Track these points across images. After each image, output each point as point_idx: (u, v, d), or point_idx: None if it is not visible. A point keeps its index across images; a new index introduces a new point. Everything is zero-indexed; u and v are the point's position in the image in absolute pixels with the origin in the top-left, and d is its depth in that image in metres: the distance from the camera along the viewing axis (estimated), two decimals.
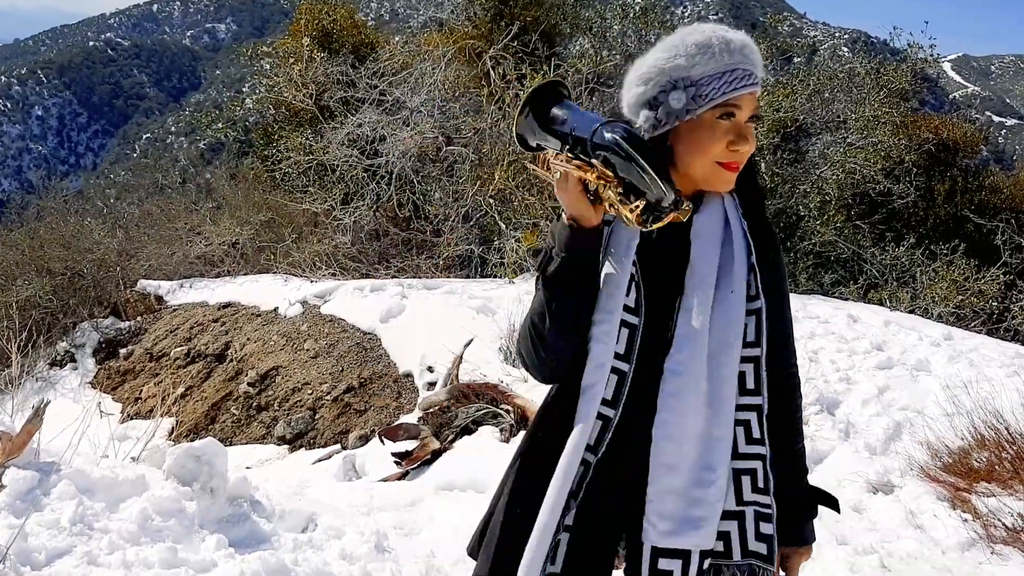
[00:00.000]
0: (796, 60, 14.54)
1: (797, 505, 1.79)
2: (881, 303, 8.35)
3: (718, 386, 1.63)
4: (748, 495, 1.69)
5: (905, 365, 6.52)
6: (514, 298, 7.31)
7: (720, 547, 1.68)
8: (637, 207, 1.49)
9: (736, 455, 1.67)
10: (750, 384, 1.67)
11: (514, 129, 1.64)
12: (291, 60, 10.85)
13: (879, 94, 10.22)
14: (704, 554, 1.65)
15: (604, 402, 1.62)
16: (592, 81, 9.06)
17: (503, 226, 8.72)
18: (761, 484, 1.69)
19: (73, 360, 9.53)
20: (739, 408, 1.65)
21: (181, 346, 8.78)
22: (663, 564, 1.64)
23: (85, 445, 4.70)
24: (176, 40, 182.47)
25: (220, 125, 14.50)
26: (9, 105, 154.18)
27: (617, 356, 1.62)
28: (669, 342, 1.64)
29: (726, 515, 1.67)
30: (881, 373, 6.39)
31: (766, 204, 1.90)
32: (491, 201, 8.80)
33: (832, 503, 1.86)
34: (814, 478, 5.20)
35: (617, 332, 1.62)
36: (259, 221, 10.44)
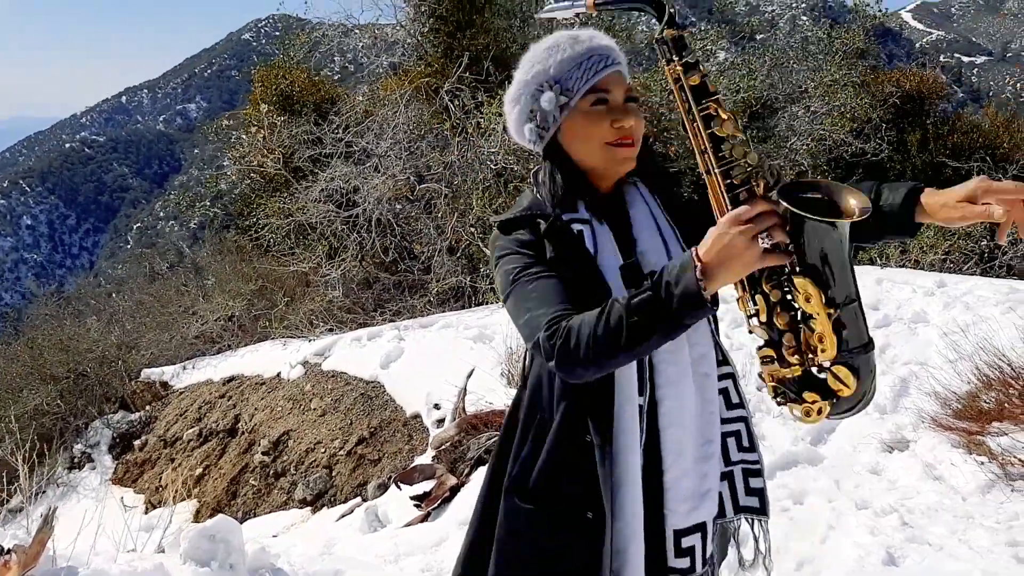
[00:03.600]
0: (760, 37, 14.64)
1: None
2: (872, 262, 8.34)
3: (699, 364, 1.71)
4: (735, 455, 1.80)
5: (902, 320, 6.52)
6: (507, 321, 7.35)
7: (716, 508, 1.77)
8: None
9: (720, 421, 1.75)
10: (720, 356, 1.78)
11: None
12: (253, 128, 10.97)
13: (835, 58, 10.30)
14: (714, 519, 1.75)
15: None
16: None
17: (488, 251, 8.76)
18: (746, 443, 1.81)
19: (91, 460, 9.57)
20: (718, 378, 1.76)
21: (192, 427, 8.81)
22: (686, 542, 1.70)
23: (106, 543, 4.72)
24: (150, 127, 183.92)
25: (207, 203, 14.62)
26: None
27: None
28: None
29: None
30: (879, 332, 6.38)
31: (678, 182, 1.93)
32: (472, 230, 8.85)
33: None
34: (827, 447, 5.20)
35: None
36: (250, 291, 10.50)
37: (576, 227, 1.68)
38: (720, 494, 1.77)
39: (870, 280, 7.45)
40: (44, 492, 9.39)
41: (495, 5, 10.49)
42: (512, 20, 10.71)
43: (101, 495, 8.77)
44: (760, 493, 1.82)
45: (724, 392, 1.77)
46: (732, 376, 1.80)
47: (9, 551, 3.76)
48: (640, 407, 1.64)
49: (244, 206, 12.34)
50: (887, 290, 7.16)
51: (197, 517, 7.88)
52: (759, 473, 1.82)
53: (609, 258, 1.67)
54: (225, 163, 12.33)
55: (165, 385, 10.01)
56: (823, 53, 10.48)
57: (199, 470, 8.26)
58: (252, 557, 4.22)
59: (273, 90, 11.67)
